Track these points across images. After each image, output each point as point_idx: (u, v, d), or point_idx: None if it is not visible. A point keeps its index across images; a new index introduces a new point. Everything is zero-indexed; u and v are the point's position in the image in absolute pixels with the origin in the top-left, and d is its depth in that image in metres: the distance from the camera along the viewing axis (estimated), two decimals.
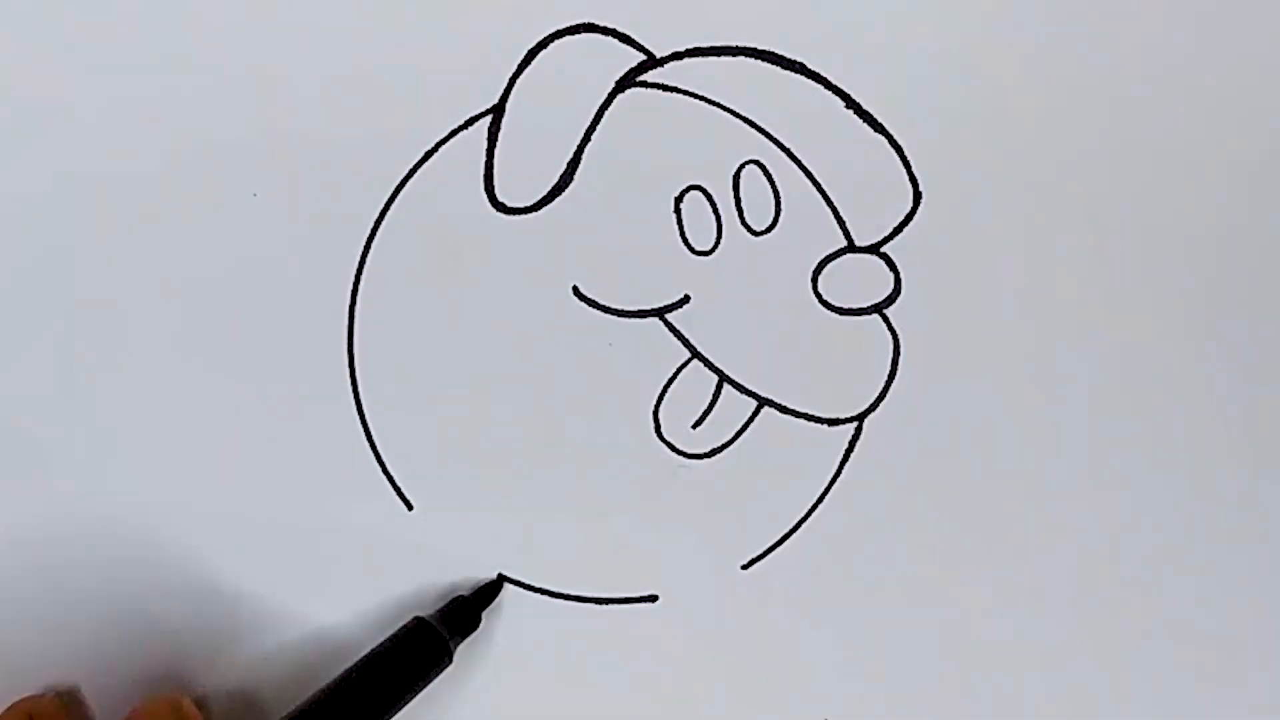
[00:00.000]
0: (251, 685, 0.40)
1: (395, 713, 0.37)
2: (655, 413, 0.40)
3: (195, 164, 0.38)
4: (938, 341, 0.39)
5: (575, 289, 0.39)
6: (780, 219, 0.38)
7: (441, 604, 0.39)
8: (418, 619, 0.38)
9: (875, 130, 0.38)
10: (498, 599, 0.40)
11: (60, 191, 0.38)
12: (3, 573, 0.39)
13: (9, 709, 0.37)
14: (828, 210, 0.38)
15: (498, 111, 0.38)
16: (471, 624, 0.39)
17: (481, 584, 0.40)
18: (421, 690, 0.37)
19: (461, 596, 0.39)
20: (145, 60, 0.37)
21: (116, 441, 0.39)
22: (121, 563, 0.39)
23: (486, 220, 0.38)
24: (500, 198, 0.38)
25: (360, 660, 0.37)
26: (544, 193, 0.38)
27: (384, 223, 0.38)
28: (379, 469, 0.39)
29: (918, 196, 0.39)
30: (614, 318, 0.39)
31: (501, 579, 0.40)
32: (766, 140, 0.38)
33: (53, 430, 0.39)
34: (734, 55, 0.38)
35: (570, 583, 0.40)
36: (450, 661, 0.38)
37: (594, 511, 0.40)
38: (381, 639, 0.38)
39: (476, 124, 0.38)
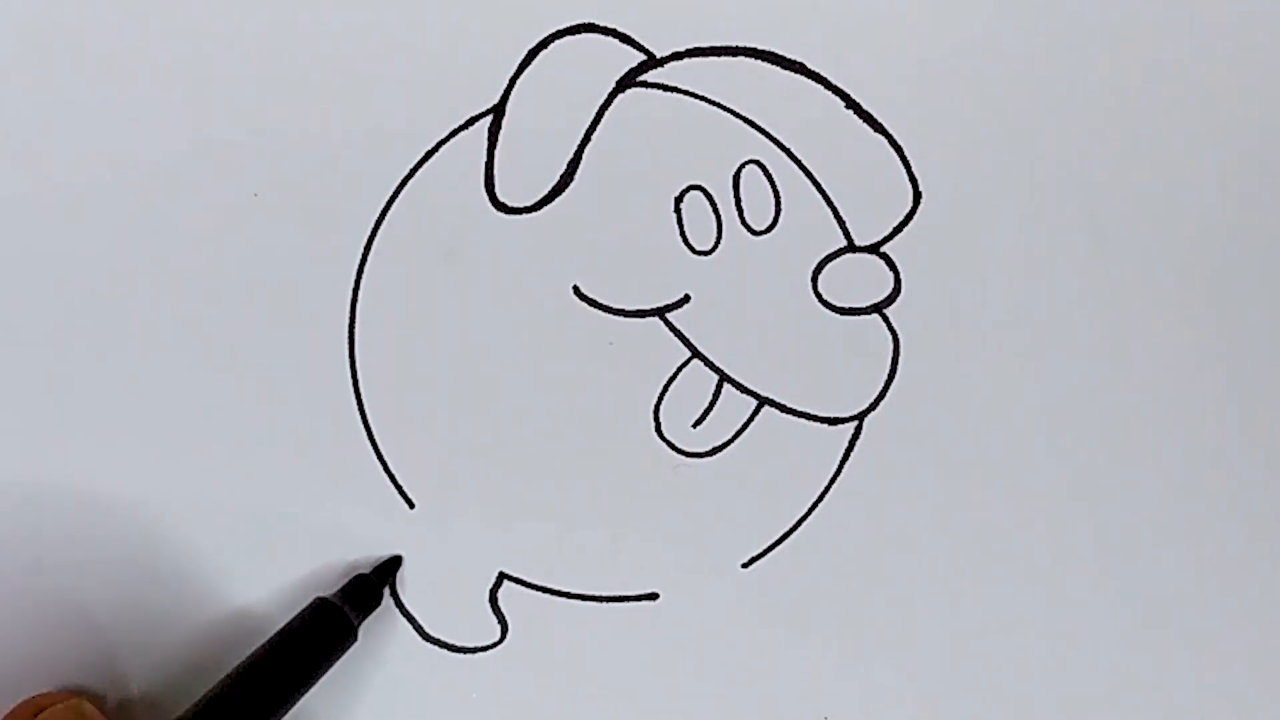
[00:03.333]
0: None
1: (304, 692, 0.37)
2: (655, 412, 0.40)
3: (195, 164, 0.38)
4: (938, 341, 0.39)
5: (575, 289, 0.39)
6: (780, 219, 0.38)
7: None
8: (320, 599, 0.38)
9: (875, 130, 0.38)
10: (399, 571, 0.40)
11: (61, 191, 0.38)
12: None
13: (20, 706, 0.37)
14: (828, 210, 0.38)
15: (498, 111, 0.38)
16: (374, 601, 0.39)
17: (382, 560, 0.40)
18: (329, 669, 0.37)
19: (362, 574, 0.39)
20: (145, 60, 0.37)
21: (116, 441, 0.39)
22: (111, 561, 0.39)
23: (486, 220, 0.38)
24: (500, 198, 0.38)
25: (265, 644, 0.37)
26: (544, 193, 0.38)
27: (384, 223, 0.38)
28: (380, 468, 0.39)
29: (918, 196, 0.38)
30: (614, 317, 0.39)
31: (397, 558, 0.40)
32: (766, 140, 0.38)
33: (50, 432, 0.39)
34: (734, 55, 0.38)
35: (570, 581, 0.40)
36: (356, 639, 0.38)
37: (594, 511, 0.40)
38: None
39: (476, 124, 0.38)
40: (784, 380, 0.39)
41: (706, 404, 0.39)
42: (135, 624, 0.39)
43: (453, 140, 0.38)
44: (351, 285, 0.39)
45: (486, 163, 0.38)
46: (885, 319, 0.39)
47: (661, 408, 0.39)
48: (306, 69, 0.38)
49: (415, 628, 0.40)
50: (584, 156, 0.38)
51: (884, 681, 0.41)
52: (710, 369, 0.39)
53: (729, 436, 0.40)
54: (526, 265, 0.39)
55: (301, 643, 0.37)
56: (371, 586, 0.39)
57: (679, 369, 0.39)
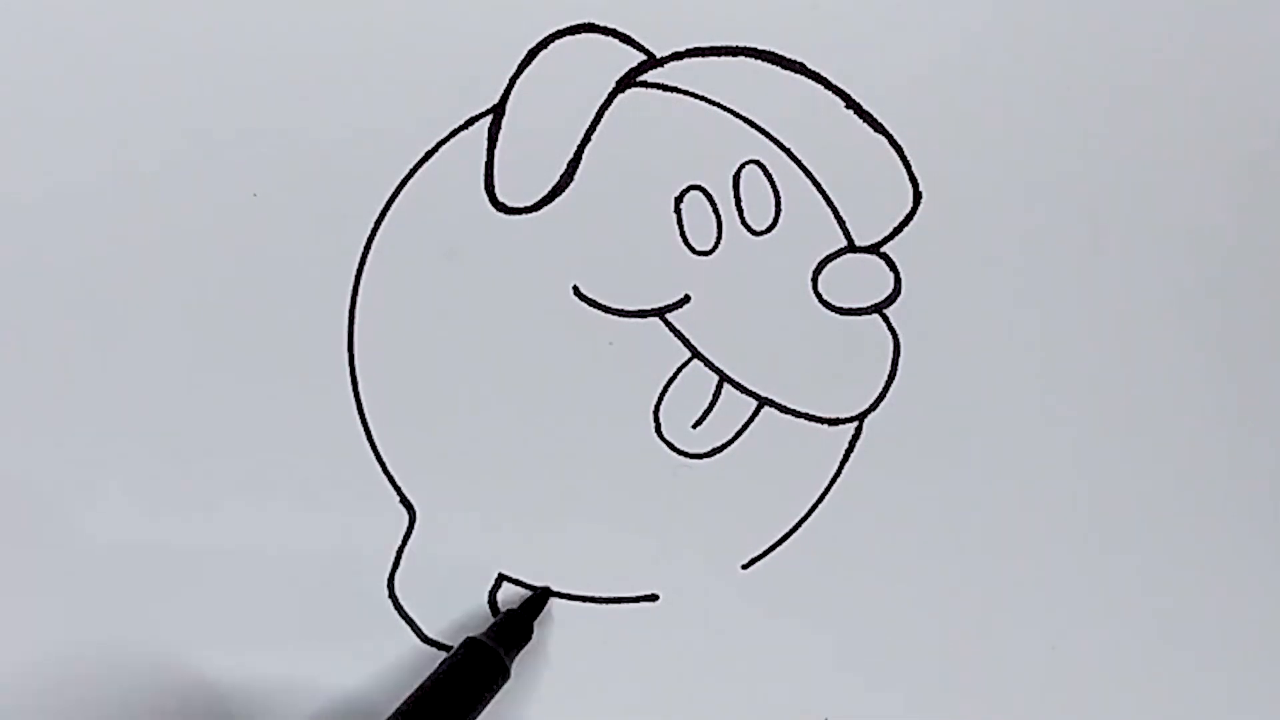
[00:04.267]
0: None
1: None
2: (655, 413, 0.40)
3: (195, 164, 0.38)
4: (938, 341, 0.39)
5: (575, 289, 0.39)
6: (780, 219, 0.38)
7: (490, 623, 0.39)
8: (469, 639, 0.38)
9: (875, 130, 0.38)
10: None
11: (61, 191, 0.38)
12: None
13: None
14: (828, 210, 0.38)
15: (498, 111, 0.38)
16: (524, 637, 0.39)
17: (529, 596, 0.40)
18: (483, 710, 0.37)
19: (511, 610, 0.39)
20: (145, 60, 0.37)
21: (115, 440, 0.39)
22: (106, 576, 0.39)
23: (486, 220, 0.38)
24: (500, 198, 0.38)
25: (419, 688, 0.37)
26: (544, 193, 0.38)
27: (384, 223, 0.38)
28: (380, 469, 0.39)
29: (918, 196, 0.39)
30: (614, 318, 0.39)
31: (548, 590, 0.40)
32: (766, 140, 0.38)
33: (49, 428, 0.39)
34: (734, 55, 0.38)
35: (570, 583, 0.40)
36: (508, 677, 0.38)
37: (594, 511, 0.40)
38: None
39: (476, 124, 0.38)
40: (784, 380, 0.39)
41: (706, 404, 0.39)
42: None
43: (453, 140, 0.38)
44: (351, 285, 0.39)
45: (486, 163, 0.38)
46: (885, 319, 0.39)
47: (661, 408, 0.39)
48: (307, 69, 0.38)
49: (414, 629, 0.40)
50: (584, 156, 0.38)
51: (884, 681, 0.41)
52: (710, 369, 0.39)
53: (729, 437, 0.40)
54: (526, 265, 0.39)
55: (455, 683, 0.37)
56: (521, 623, 0.39)
57: (679, 369, 0.39)
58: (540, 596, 0.40)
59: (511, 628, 0.39)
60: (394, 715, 0.36)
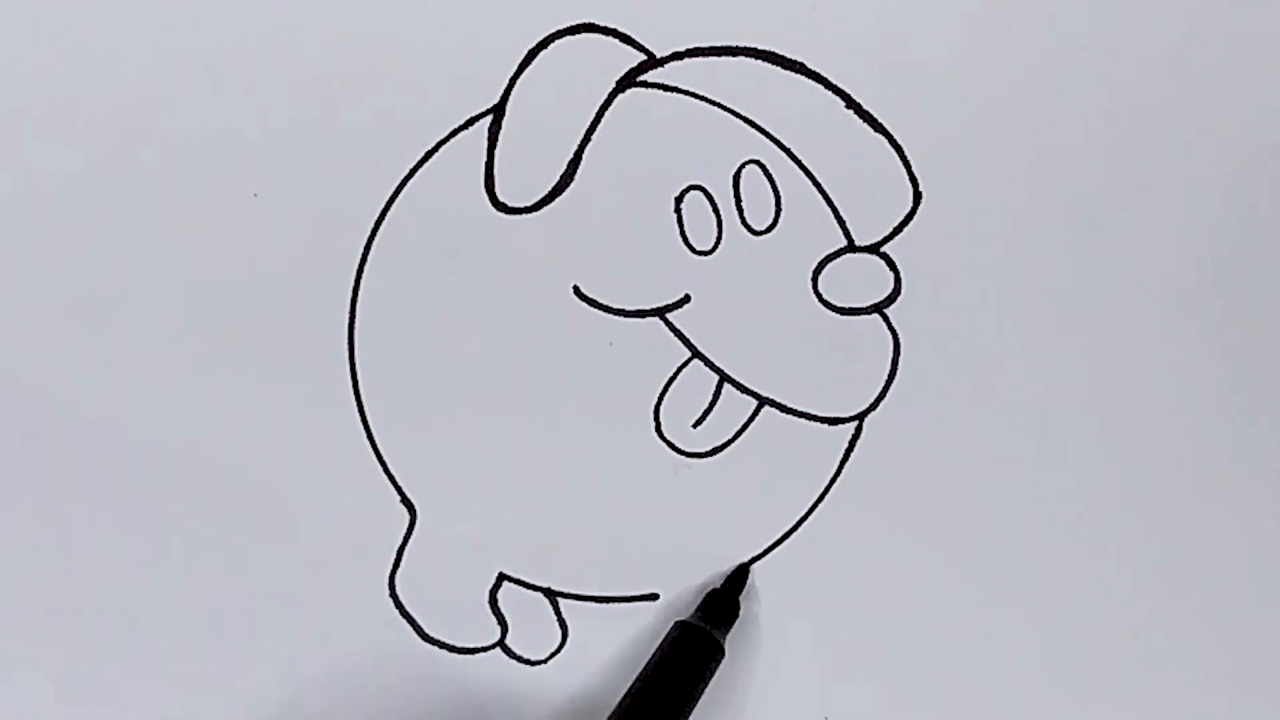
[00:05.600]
0: None
1: (688, 715, 0.37)
2: (655, 412, 0.40)
3: (195, 163, 0.38)
4: (938, 341, 0.39)
5: (575, 289, 0.39)
6: (780, 219, 0.38)
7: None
8: (679, 622, 0.38)
9: (875, 130, 0.38)
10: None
11: (60, 191, 0.38)
12: None
13: None
14: (828, 210, 0.38)
15: (498, 111, 0.38)
16: (732, 613, 0.39)
17: (731, 571, 0.40)
18: (705, 689, 0.38)
19: (714, 590, 0.39)
20: (145, 60, 0.37)
21: (114, 439, 0.39)
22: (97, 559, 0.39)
23: (486, 220, 0.38)
24: (500, 198, 0.38)
25: (638, 676, 0.37)
26: (544, 193, 0.38)
27: (384, 222, 0.38)
28: (380, 469, 0.39)
29: (918, 196, 0.38)
30: (614, 318, 0.39)
31: (745, 566, 0.40)
32: (766, 140, 0.38)
33: (48, 428, 0.39)
34: (734, 55, 0.38)
35: (570, 582, 0.40)
36: (724, 655, 0.38)
37: (594, 511, 0.40)
38: None
39: (476, 124, 0.38)
40: (784, 380, 0.39)
41: (706, 404, 0.39)
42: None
43: (453, 140, 0.38)
44: (351, 285, 0.39)
45: (486, 163, 0.38)
46: (885, 319, 0.39)
47: (661, 408, 0.39)
48: (306, 69, 0.38)
49: (415, 628, 0.40)
50: (584, 156, 0.38)
51: (884, 681, 0.41)
52: (710, 369, 0.39)
53: (729, 437, 0.40)
54: (526, 265, 0.39)
55: (673, 669, 0.37)
56: (726, 599, 0.39)
57: (679, 369, 0.39)
58: (742, 570, 0.40)
59: (717, 606, 0.39)
60: (621, 702, 0.37)
